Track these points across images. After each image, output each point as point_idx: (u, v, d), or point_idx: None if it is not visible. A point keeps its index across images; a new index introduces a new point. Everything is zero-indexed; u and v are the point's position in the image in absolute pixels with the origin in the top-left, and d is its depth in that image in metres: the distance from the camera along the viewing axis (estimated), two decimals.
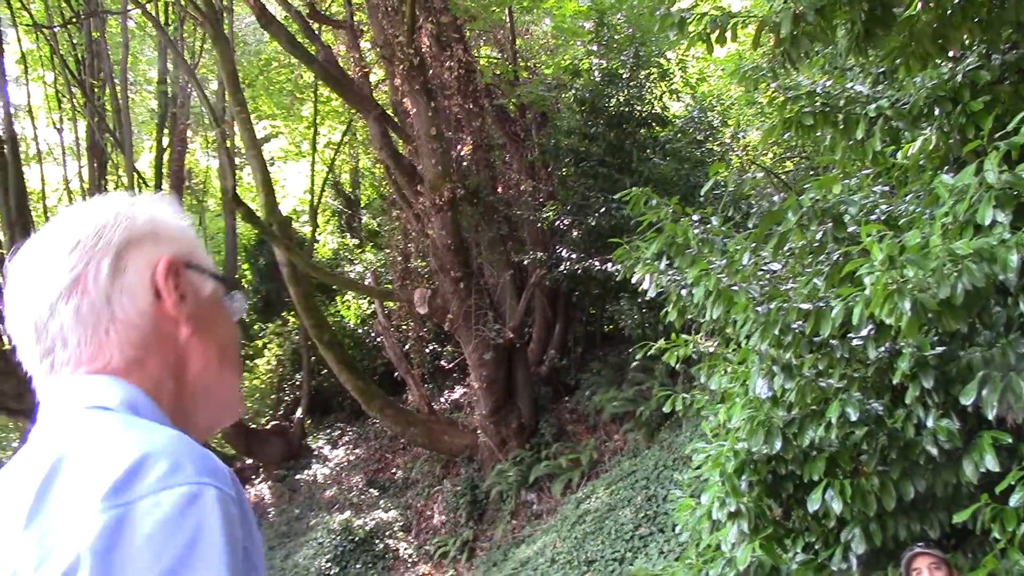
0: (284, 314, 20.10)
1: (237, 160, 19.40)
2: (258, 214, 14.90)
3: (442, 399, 17.91)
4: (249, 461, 17.83)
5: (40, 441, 1.05)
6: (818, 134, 6.39)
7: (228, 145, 16.78)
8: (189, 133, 20.34)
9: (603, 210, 13.87)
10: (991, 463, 4.54)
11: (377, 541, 14.75)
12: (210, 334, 1.18)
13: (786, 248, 5.92)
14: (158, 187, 18.25)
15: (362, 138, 20.84)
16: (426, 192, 13.77)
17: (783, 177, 13.01)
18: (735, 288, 5.58)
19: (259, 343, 20.23)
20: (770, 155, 15.17)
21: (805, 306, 5.24)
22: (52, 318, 1.13)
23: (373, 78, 17.35)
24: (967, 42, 5.56)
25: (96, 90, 17.61)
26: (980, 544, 5.08)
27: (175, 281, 1.17)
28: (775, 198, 7.10)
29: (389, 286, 17.51)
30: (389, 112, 15.45)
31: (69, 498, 0.94)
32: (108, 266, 1.14)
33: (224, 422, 1.24)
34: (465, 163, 15.77)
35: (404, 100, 14.79)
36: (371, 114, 14.44)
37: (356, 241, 22.52)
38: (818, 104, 6.11)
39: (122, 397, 1.09)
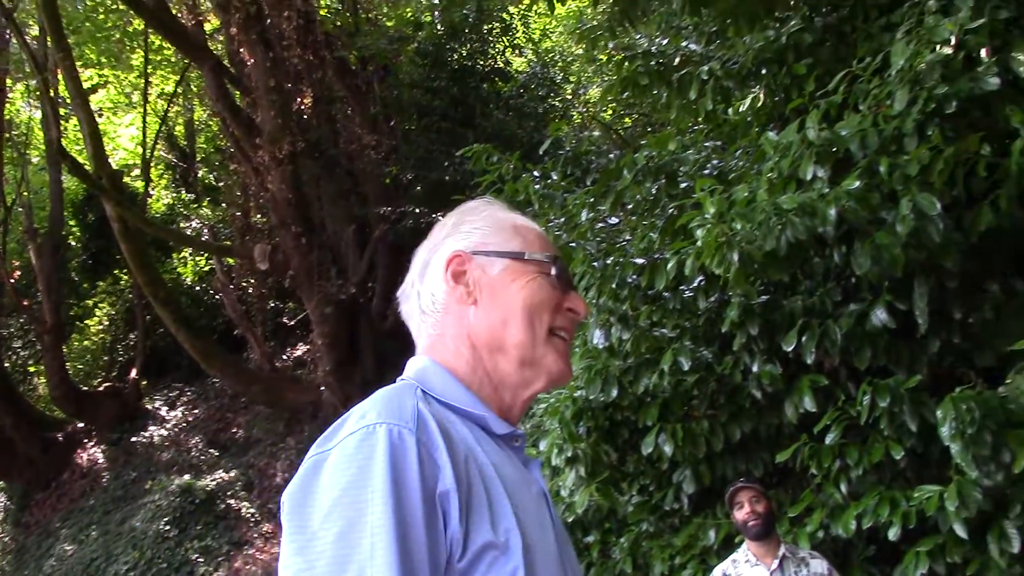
0: (116, 272, 19.25)
1: (62, 111, 18.32)
2: (86, 167, 14.20)
3: (284, 356, 17.62)
4: (81, 424, 17.09)
5: None
6: (654, 92, 6.56)
7: (52, 94, 15.83)
8: (8, 81, 19.04)
9: (446, 165, 13.86)
10: (809, 404, 4.84)
11: (218, 501, 14.45)
12: (496, 303, 1.39)
13: (623, 204, 6.10)
14: None
15: (197, 89, 20.04)
16: (265, 146, 13.42)
17: (622, 133, 13.31)
18: (573, 244, 5.72)
19: (88, 303, 19.35)
20: (610, 112, 15.46)
21: (640, 260, 5.42)
22: (407, 321, 1.50)
23: (208, 27, 16.68)
24: (792, 3, 5.80)
25: None
26: (799, 481, 5.42)
27: (460, 270, 1.42)
28: (612, 155, 7.27)
29: (228, 242, 17.03)
30: (225, 63, 14.92)
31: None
32: (418, 273, 1.47)
33: (538, 379, 1.40)
34: (305, 116, 15.41)
35: (241, 50, 14.31)
36: (206, 64, 13.91)
37: (192, 196, 21.71)
38: (653, 64, 6.27)
39: (417, 368, 1.38)
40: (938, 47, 4.32)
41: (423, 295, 1.45)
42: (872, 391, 4.51)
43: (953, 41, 4.31)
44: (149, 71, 18.34)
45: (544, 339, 1.38)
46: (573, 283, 1.47)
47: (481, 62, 15.33)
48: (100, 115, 19.97)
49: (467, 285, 1.41)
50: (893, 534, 4.38)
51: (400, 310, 1.52)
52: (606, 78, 11.78)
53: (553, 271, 1.43)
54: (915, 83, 4.29)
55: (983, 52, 4.37)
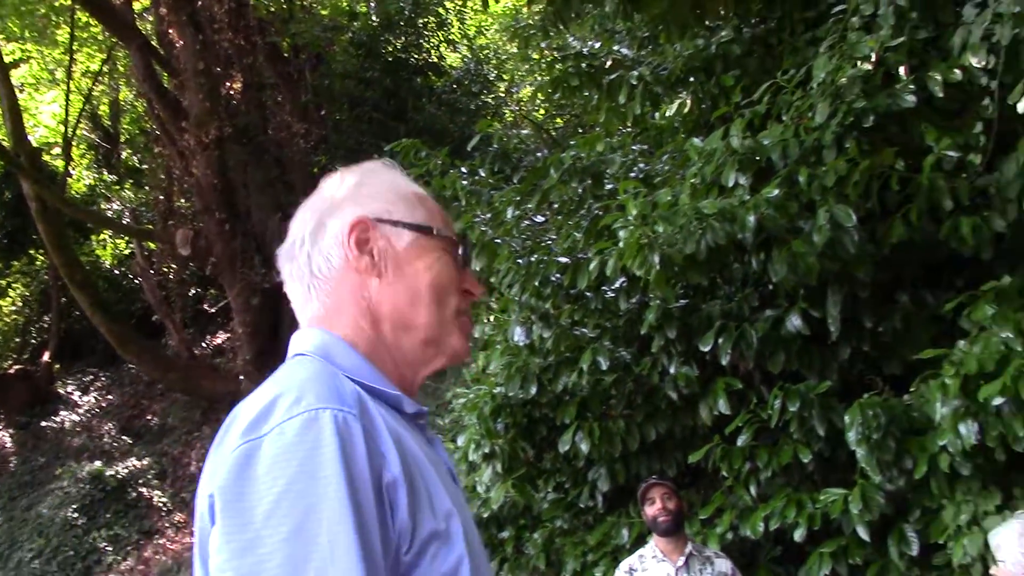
0: (31, 252, 18.73)
1: None
2: (3, 143, 13.79)
3: (203, 344, 17.33)
4: None
5: None
6: (585, 94, 6.62)
7: None
8: None
9: (376, 157, 13.71)
10: (723, 407, 4.93)
11: (130, 490, 14.17)
12: (402, 279, 1.31)
13: (550, 203, 6.15)
14: None
15: (124, 69, 19.58)
16: (191, 129, 13.18)
17: (553, 133, 13.38)
18: (499, 241, 5.75)
19: (2, 283, 18.79)
20: (542, 111, 15.52)
21: (564, 259, 5.47)
22: (288, 283, 1.37)
23: (137, 5, 16.33)
24: (722, 13, 5.90)
25: None
26: (711, 482, 5.52)
27: (364, 237, 1.31)
28: (540, 154, 7.32)
29: (150, 226, 16.68)
30: (154, 43, 14.62)
31: (228, 436, 1.12)
32: (310, 233, 1.34)
33: (439, 358, 1.34)
34: (234, 101, 15.17)
35: (170, 31, 14.04)
36: (133, 44, 13.62)
37: (115, 178, 21.20)
38: (584, 66, 6.33)
39: (317, 343, 1.26)
40: (859, 63, 4.45)
41: (315, 257, 1.33)
42: (783, 395, 4.62)
43: (874, 58, 4.44)
44: (74, 48, 17.86)
45: (451, 319, 1.33)
46: (470, 262, 1.43)
47: (415, 55, 15.27)
48: (21, 90, 19.38)
49: (372, 255, 1.31)
50: (799, 535, 4.50)
51: (280, 269, 1.39)
52: (539, 77, 11.83)
53: (460, 250, 1.38)
54: (836, 97, 4.41)
55: (902, 70, 4.51)
